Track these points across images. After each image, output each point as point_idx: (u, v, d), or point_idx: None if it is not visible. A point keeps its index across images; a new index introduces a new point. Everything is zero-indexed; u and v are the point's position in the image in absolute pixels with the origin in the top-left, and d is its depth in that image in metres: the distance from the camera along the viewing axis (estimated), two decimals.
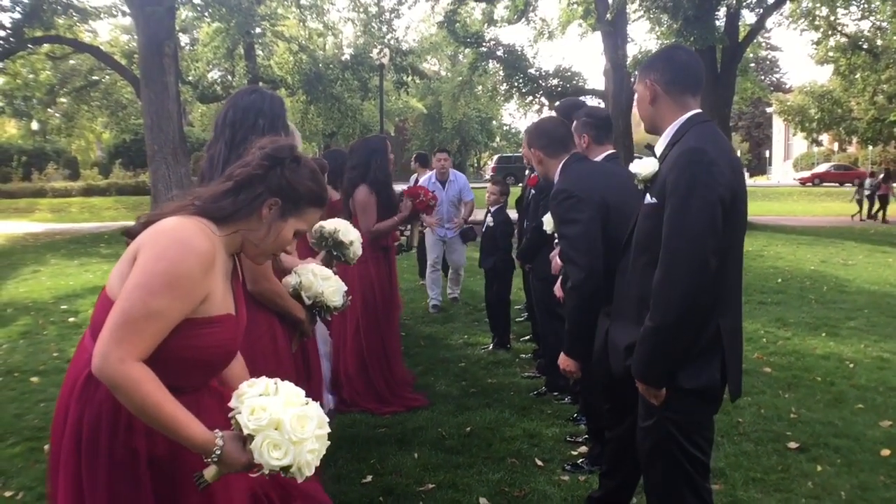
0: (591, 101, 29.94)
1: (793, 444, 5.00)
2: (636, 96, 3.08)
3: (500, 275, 7.60)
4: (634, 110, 38.63)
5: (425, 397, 6.08)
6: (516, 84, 30.87)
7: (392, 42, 28.15)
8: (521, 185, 9.69)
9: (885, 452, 4.92)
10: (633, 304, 2.92)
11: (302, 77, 26.53)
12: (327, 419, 2.12)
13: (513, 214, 7.94)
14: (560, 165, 4.08)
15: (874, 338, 7.99)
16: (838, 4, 29.15)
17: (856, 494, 4.32)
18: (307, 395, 2.13)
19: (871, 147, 47.07)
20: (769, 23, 28.01)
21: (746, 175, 51.50)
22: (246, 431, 2.00)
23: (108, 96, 28.90)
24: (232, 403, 2.08)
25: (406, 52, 29.46)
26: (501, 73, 31.30)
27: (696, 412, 2.84)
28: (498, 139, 60.58)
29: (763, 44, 32.87)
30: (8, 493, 4.38)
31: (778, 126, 57.22)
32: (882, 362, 7.02)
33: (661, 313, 2.68)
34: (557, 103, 4.98)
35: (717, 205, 2.63)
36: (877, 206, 28.23)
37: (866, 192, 28.66)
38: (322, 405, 2.19)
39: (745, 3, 22.86)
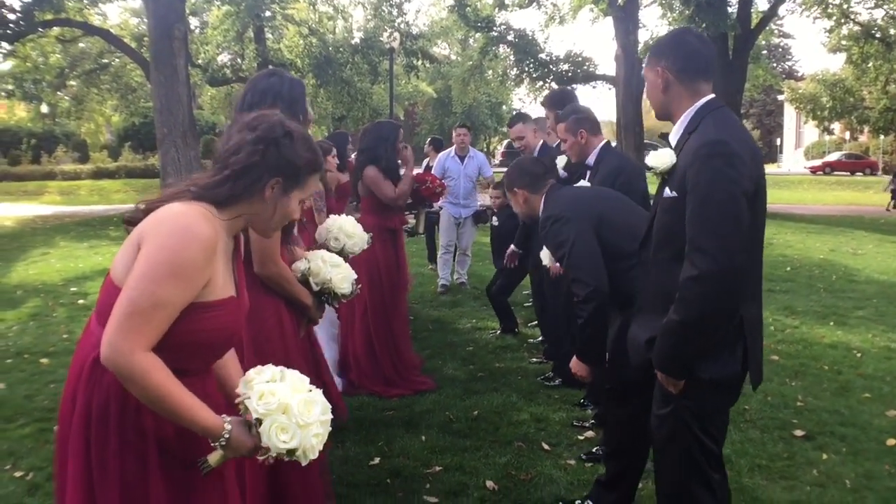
0: (602, 87, 29.95)
1: (799, 432, 5.01)
2: (646, 83, 3.03)
3: (508, 274, 7.57)
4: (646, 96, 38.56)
5: (433, 381, 6.10)
6: (527, 69, 30.81)
7: (402, 26, 28.11)
8: None
9: (891, 442, 4.92)
10: (657, 299, 2.86)
11: (312, 60, 26.51)
12: (330, 406, 2.14)
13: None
14: (542, 198, 4.11)
15: (882, 327, 7.98)
16: None
17: (861, 483, 4.33)
18: (315, 380, 2.16)
19: (882, 136, 46.81)
20: (782, 10, 27.89)
21: None
22: (255, 415, 2.03)
23: (118, 79, 28.95)
24: (240, 389, 2.11)
25: (416, 36, 29.42)
26: (512, 57, 31.26)
27: (714, 402, 2.82)
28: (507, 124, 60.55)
29: (775, 31, 32.71)
30: (18, 474, 4.42)
31: (789, 114, 56.90)
32: (889, 352, 7.02)
33: (687, 309, 2.63)
34: (547, 92, 5.04)
35: (741, 199, 2.59)
36: None
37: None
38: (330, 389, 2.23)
39: None
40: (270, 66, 26.70)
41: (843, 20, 31.61)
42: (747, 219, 2.60)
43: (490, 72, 34.46)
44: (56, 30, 23.94)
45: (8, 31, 20.56)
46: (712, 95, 2.87)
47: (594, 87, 30.71)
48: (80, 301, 9.39)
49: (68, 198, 29.50)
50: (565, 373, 5.53)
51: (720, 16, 20.88)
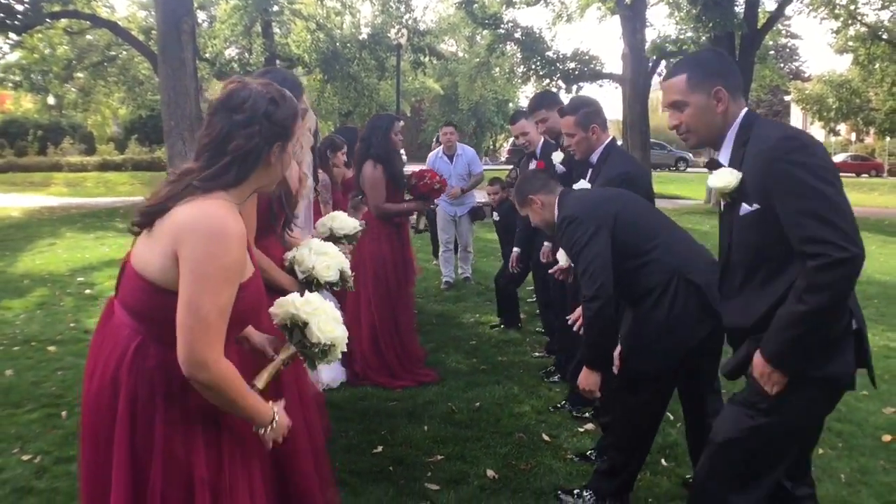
0: (609, 86, 29.95)
1: None
2: (691, 108, 2.86)
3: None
4: (652, 95, 38.47)
5: (436, 373, 6.17)
6: (534, 66, 30.79)
7: (410, 22, 28.12)
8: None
9: (887, 438, 5.00)
10: (764, 320, 2.66)
11: (319, 56, 26.55)
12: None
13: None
14: (556, 200, 4.08)
15: (882, 327, 8.03)
16: None
17: (855, 478, 4.39)
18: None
19: (888, 138, 46.76)
20: (789, 10, 27.80)
21: None
22: (303, 317, 2.40)
23: (125, 72, 29.01)
24: (276, 310, 2.48)
25: (424, 33, 29.41)
26: (519, 55, 31.27)
27: (818, 405, 2.73)
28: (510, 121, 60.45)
29: (783, 31, 32.68)
30: (26, 457, 4.49)
31: (796, 114, 56.85)
32: (889, 351, 7.07)
33: (819, 296, 2.47)
34: (567, 103, 4.94)
35: (837, 183, 2.54)
36: None
37: None
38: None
39: None
40: (278, 61, 26.87)
41: (850, 21, 31.58)
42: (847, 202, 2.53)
43: (497, 69, 34.47)
44: (63, 21, 23.98)
45: (16, 23, 20.58)
46: (746, 106, 2.85)
47: (601, 86, 30.78)
48: (87, 291, 9.47)
49: (74, 189, 29.55)
50: (566, 370, 5.60)
51: (727, 15, 20.87)
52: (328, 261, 3.21)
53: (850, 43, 35.92)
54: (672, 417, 5.10)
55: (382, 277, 6.13)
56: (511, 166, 13.90)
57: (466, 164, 9.81)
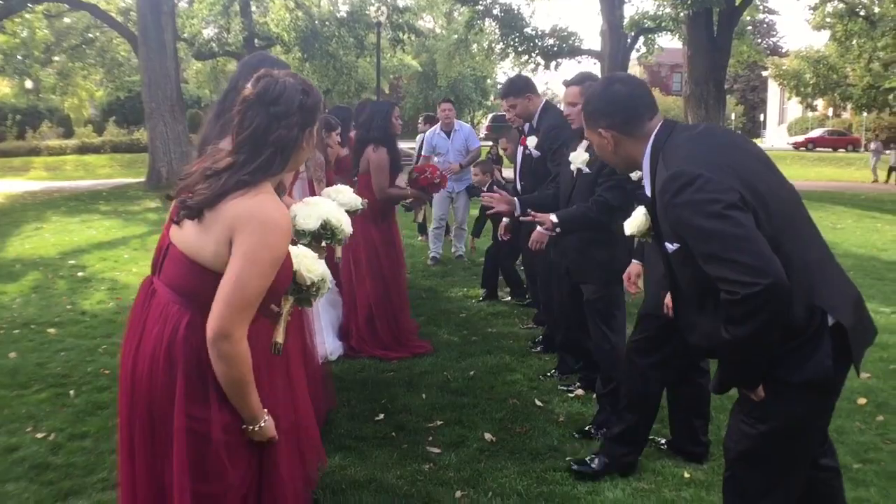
0: (587, 62, 30.14)
1: None
2: (594, 145, 2.85)
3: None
4: (631, 71, 38.58)
5: (430, 344, 6.39)
6: (512, 43, 30.93)
7: None
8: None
9: (862, 401, 5.25)
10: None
11: (298, 34, 26.52)
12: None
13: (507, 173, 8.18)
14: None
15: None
16: None
17: (833, 437, 4.52)
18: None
19: (865, 114, 47.29)
20: None
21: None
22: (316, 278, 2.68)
23: (104, 54, 28.82)
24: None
25: (403, 10, 29.42)
26: (497, 31, 31.37)
27: (810, 407, 2.59)
28: (492, 98, 60.38)
29: (760, 7, 32.85)
30: (40, 435, 4.62)
31: (773, 90, 57.28)
32: None
33: (739, 328, 2.39)
34: (574, 76, 5.06)
35: (732, 213, 2.36)
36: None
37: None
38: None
39: None
40: (256, 40, 26.81)
41: None
42: (752, 225, 2.36)
43: (475, 46, 34.52)
44: (43, 4, 23.84)
45: None
46: (657, 129, 2.67)
47: (579, 62, 31.02)
48: (80, 273, 9.56)
49: (54, 173, 29.43)
50: (553, 342, 5.81)
51: None
52: (310, 210, 3.29)
53: (828, 19, 36.34)
54: None
55: (374, 256, 6.29)
56: (490, 143, 14.07)
57: (464, 139, 10.03)
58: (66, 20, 27.78)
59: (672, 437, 4.47)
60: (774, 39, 59.98)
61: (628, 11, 26.88)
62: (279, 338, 2.57)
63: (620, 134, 2.69)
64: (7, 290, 8.69)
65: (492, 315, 7.57)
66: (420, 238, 11.95)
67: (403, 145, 12.71)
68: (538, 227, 4.85)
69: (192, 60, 29.66)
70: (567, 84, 4.89)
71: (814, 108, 52.75)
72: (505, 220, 6.98)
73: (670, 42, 33.15)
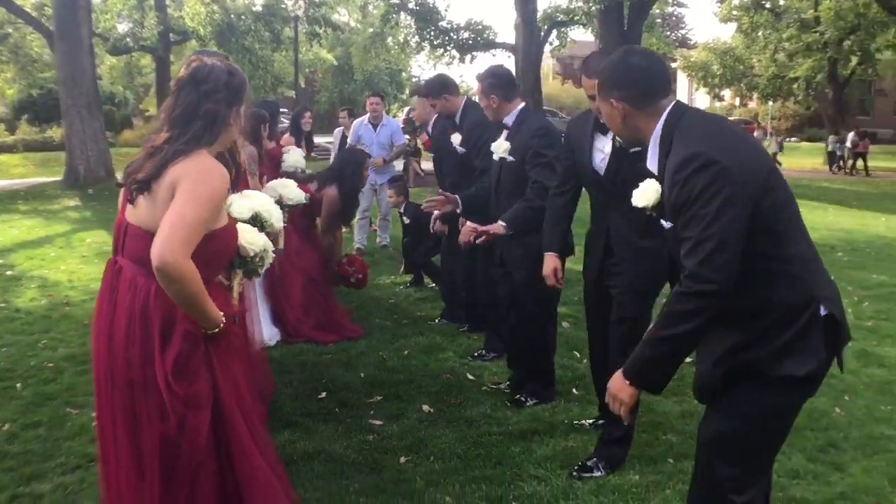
0: (502, 55, 30.63)
1: (688, 359, 5.78)
2: (602, 111, 2.80)
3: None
4: (544, 63, 39.24)
5: (363, 328, 6.66)
6: (427, 37, 31.26)
7: None
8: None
9: None
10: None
11: (214, 28, 26.33)
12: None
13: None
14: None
15: None
16: None
17: None
18: None
19: (770, 103, 49.14)
20: None
21: None
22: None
23: (18, 50, 28.09)
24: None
25: (319, 3, 29.43)
26: (413, 25, 31.64)
27: (796, 398, 2.61)
28: (407, 91, 60.58)
29: (669, 0, 33.87)
30: None
31: (682, 81, 58.84)
32: None
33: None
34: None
35: (737, 206, 2.35)
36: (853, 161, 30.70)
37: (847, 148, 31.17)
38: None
39: None
40: (171, 35, 26.53)
41: None
42: (742, 229, 2.36)
43: (390, 39, 34.70)
44: None
45: None
46: (672, 104, 2.63)
47: (494, 56, 31.37)
48: (9, 272, 9.45)
49: None
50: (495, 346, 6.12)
51: None
52: (244, 201, 3.43)
53: (735, 12, 37.77)
54: (578, 354, 5.81)
55: (303, 250, 6.56)
56: (408, 137, 14.39)
57: (390, 134, 10.34)
58: None
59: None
60: (683, 32, 61.50)
61: (542, 5, 27.56)
62: (234, 302, 2.87)
63: (632, 107, 2.64)
64: None
65: (420, 300, 7.89)
66: (345, 229, 12.17)
67: (320, 139, 12.95)
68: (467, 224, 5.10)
69: (107, 56, 29.08)
70: (479, 78, 5.08)
71: (721, 99, 54.54)
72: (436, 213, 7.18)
73: (582, 35, 33.88)
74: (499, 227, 4.71)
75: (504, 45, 31.30)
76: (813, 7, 34.82)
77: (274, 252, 3.28)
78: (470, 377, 5.49)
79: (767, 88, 42.73)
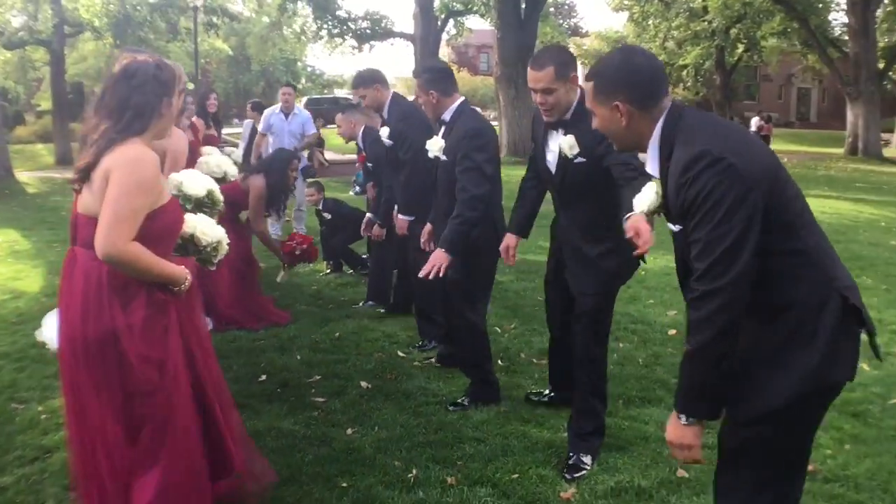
0: (400, 44, 30.86)
1: None
2: (597, 118, 2.64)
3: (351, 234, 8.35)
4: (442, 52, 39.53)
5: (289, 314, 6.88)
6: (325, 26, 31.30)
7: None
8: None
9: (672, 332, 6.30)
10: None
11: (110, 20, 25.66)
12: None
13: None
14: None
15: (662, 251, 9.42)
16: None
17: (650, 361, 5.61)
18: None
19: None
20: None
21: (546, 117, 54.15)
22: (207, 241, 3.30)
23: None
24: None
25: None
26: (310, 14, 31.62)
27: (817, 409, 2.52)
28: (303, 80, 60.04)
29: None
30: None
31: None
32: (669, 269, 8.42)
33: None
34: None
35: (749, 204, 2.28)
36: None
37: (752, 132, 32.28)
38: None
39: None
40: (66, 27, 25.75)
41: None
42: (756, 227, 2.28)
43: (287, 30, 34.51)
44: None
45: None
46: (669, 105, 2.53)
47: (392, 45, 31.74)
48: None
49: None
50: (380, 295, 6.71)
51: None
52: (196, 178, 3.80)
53: (626, 1, 38.91)
54: (500, 330, 6.18)
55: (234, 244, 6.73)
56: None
57: (301, 123, 10.65)
58: None
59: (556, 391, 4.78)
60: (575, 20, 62.78)
61: None
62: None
63: (637, 109, 2.51)
64: None
65: (341, 286, 8.16)
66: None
67: (224, 130, 13.05)
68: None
69: (0, 51, 27.92)
70: (413, 75, 5.31)
71: None
72: (369, 215, 7.25)
73: (477, 23, 34.45)
74: (442, 256, 4.41)
75: (402, 35, 31.60)
76: None
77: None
78: (401, 354, 5.82)
79: None
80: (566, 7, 58.07)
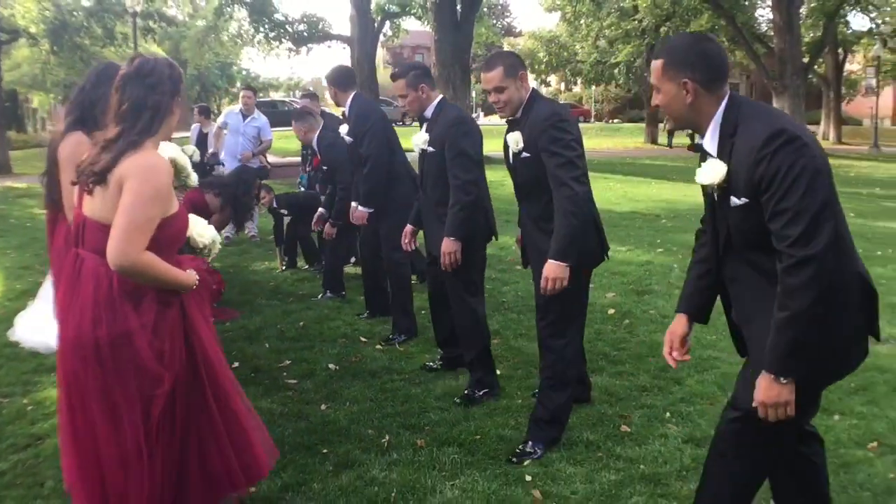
0: (337, 47, 30.95)
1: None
2: (661, 93, 2.82)
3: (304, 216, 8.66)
4: (378, 54, 39.68)
5: (236, 311, 7.14)
6: (262, 29, 31.30)
7: None
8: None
9: (611, 312, 6.84)
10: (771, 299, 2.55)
11: (47, 26, 25.39)
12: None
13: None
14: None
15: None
16: None
17: (594, 336, 6.10)
18: None
19: (593, 87, 51.89)
20: None
21: (481, 115, 53.44)
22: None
23: None
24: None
25: None
26: (247, 18, 31.60)
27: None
28: (238, 84, 59.76)
29: None
30: None
31: None
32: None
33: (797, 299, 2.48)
34: (399, 69, 5.29)
35: (824, 178, 2.49)
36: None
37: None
38: None
39: None
40: (2, 34, 25.40)
41: None
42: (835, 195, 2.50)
43: (225, 33, 34.43)
44: None
45: None
46: (728, 91, 2.75)
47: (329, 47, 31.91)
48: None
49: None
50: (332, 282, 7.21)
51: None
52: (205, 230, 3.70)
53: (558, 1, 39.67)
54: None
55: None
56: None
57: (258, 127, 10.92)
58: None
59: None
60: (509, 20, 63.63)
61: None
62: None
63: (703, 89, 2.70)
64: None
65: (298, 281, 8.53)
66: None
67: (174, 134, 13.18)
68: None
69: None
70: (394, 77, 5.27)
71: (548, 84, 56.92)
72: (321, 210, 7.65)
73: (413, 25, 34.77)
74: (451, 244, 4.67)
75: (339, 37, 31.77)
76: None
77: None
78: (363, 339, 6.25)
79: (590, 74, 45.15)
80: (499, 7, 58.82)
